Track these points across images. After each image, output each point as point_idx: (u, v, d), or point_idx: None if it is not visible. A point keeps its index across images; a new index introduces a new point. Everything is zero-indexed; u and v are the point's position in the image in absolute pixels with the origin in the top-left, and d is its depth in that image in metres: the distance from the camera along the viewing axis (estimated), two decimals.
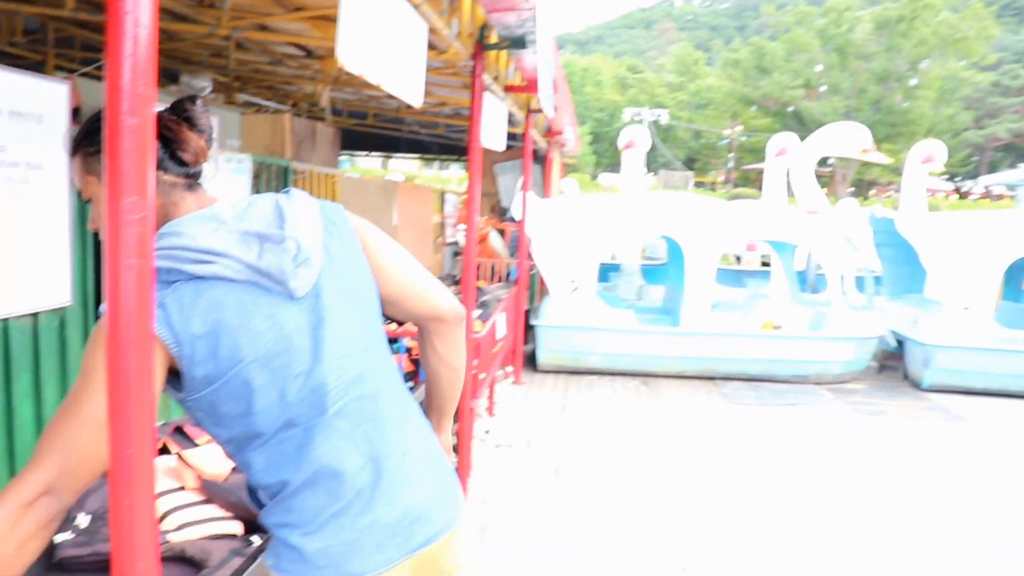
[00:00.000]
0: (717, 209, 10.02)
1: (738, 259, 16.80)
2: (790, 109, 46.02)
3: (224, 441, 1.64)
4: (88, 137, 1.64)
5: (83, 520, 2.96)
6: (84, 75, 7.07)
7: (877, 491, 5.93)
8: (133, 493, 1.29)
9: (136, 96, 1.21)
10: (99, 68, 7.72)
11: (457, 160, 15.60)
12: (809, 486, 6.00)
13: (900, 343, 10.04)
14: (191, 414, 1.62)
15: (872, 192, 50.41)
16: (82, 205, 3.64)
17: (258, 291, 1.58)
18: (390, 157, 20.46)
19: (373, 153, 14.75)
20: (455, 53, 4.45)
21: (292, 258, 1.59)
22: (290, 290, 1.59)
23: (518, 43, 4.50)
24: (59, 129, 3.29)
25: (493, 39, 4.78)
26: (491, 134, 5.38)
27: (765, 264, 16.57)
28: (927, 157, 10.47)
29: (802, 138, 11.91)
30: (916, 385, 9.64)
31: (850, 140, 10.59)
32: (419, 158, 17.09)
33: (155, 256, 1.47)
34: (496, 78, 5.88)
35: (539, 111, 7.58)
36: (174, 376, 1.57)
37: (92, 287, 3.74)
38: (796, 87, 45.05)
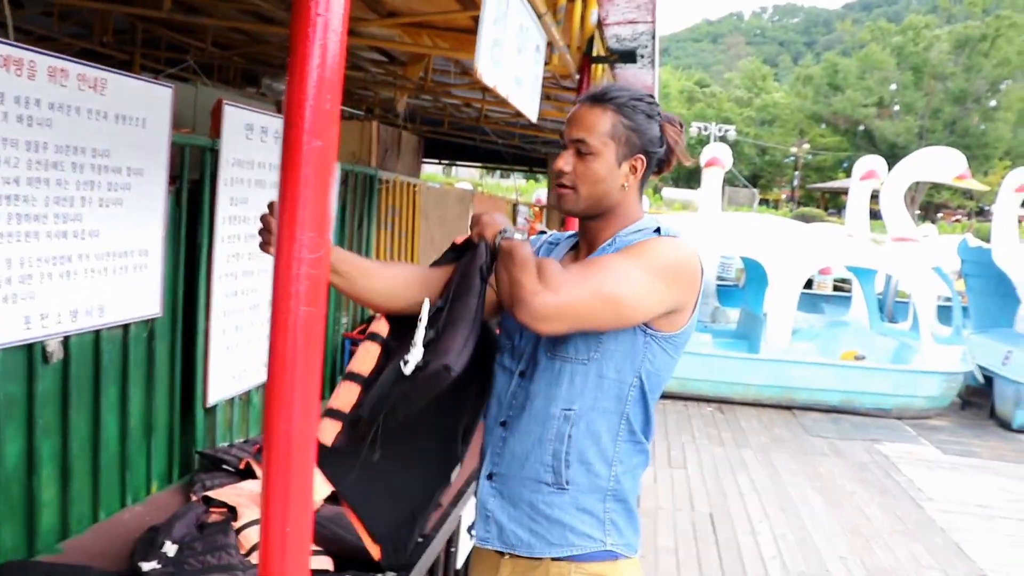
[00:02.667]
0: (802, 232, 9.67)
1: (810, 283, 16.31)
2: (860, 128, 45.10)
3: (641, 395, 1.75)
4: (633, 108, 1.75)
5: (170, 549, 2.80)
6: (170, 76, 7.01)
7: (977, 538, 5.57)
8: (290, 521, 1.12)
9: (322, 113, 1.02)
10: (184, 69, 7.67)
11: (528, 170, 15.42)
12: (904, 534, 5.66)
13: (987, 379, 9.58)
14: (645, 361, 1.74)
15: (939, 216, 49.15)
16: (176, 212, 3.50)
17: None
18: (454, 164, 20.30)
19: (444, 161, 14.63)
20: (560, 65, 4.23)
21: None
22: None
23: (628, 57, 4.29)
24: (161, 134, 3.15)
25: (598, 51, 4.57)
26: None
27: (838, 289, 16.07)
28: (1023, 185, 10.00)
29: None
30: (1005, 425, 9.18)
31: (945, 166, 10.15)
32: (487, 167, 16.97)
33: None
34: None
35: None
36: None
37: (182, 298, 3.60)
38: (869, 105, 44.11)
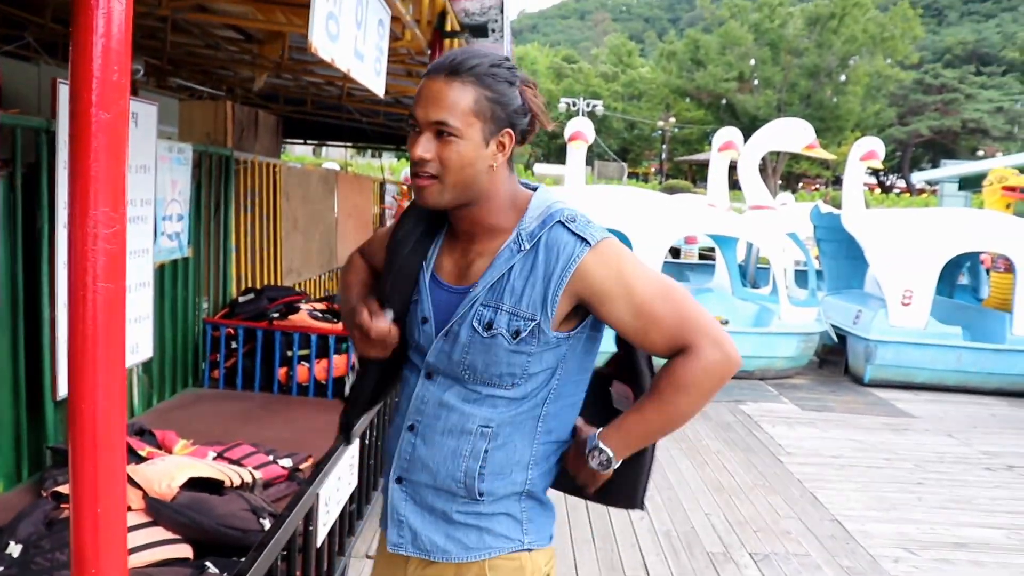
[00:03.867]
0: (664, 203, 9.96)
1: (676, 253, 16.80)
2: (723, 102, 46.69)
3: (550, 396, 1.66)
4: (494, 77, 1.56)
5: (15, 549, 2.69)
6: (6, 54, 6.64)
7: (830, 486, 5.91)
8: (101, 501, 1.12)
9: (110, 85, 1.00)
10: (22, 47, 7.26)
11: (396, 149, 15.30)
12: (764, 487, 5.94)
13: (841, 338, 10.11)
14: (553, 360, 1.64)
15: (800, 185, 51.36)
16: (9, 197, 3.33)
17: None
18: (324, 145, 19.90)
19: (310, 141, 14.35)
20: (412, 41, 4.23)
21: None
22: None
23: (479, 31, 4.31)
24: None
25: (451, 26, 4.58)
26: None
27: (703, 257, 16.61)
28: (868, 153, 10.55)
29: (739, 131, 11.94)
30: (857, 380, 9.72)
31: (795, 136, 10.63)
32: (358, 146, 16.74)
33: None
34: None
35: None
36: (575, 315, 1.62)
37: (23, 287, 3.44)
38: (730, 80, 45.73)
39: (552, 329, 1.59)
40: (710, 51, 46.97)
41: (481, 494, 1.65)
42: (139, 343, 4.21)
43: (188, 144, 4.84)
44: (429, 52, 4.46)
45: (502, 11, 3.96)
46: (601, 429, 1.65)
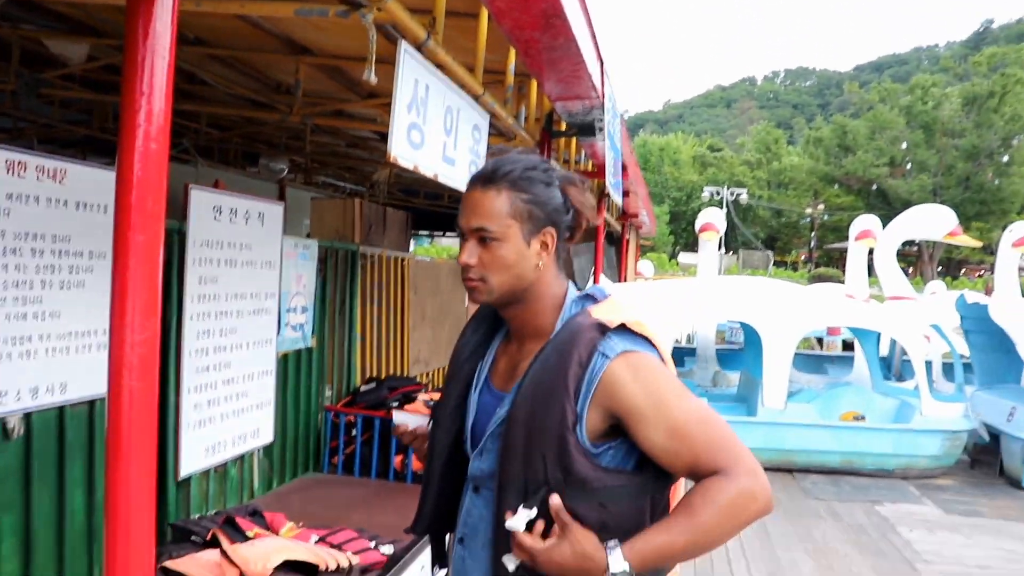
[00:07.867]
0: (795, 294, 9.74)
1: (820, 343, 16.27)
2: (874, 187, 45.35)
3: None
4: (529, 180, 1.65)
5: None
6: (169, 158, 7.28)
7: None
8: None
9: (144, 213, 1.15)
10: (183, 151, 7.92)
11: None
12: None
13: (994, 436, 9.49)
14: None
15: (963, 272, 48.90)
16: None
17: None
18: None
19: (449, 233, 14.85)
20: (522, 140, 4.40)
21: None
22: None
23: (586, 130, 4.45)
24: None
25: (562, 126, 4.75)
26: None
27: (848, 347, 16.03)
28: (1020, 239, 10.04)
29: (887, 217, 11.60)
30: (1015, 483, 9.06)
31: (936, 223, 10.25)
32: None
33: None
34: (567, 162, 5.84)
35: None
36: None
37: None
38: (880, 165, 44.43)
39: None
40: (859, 136, 45.89)
41: None
42: (260, 428, 4.45)
43: (314, 240, 5.14)
44: (538, 150, 4.63)
45: (604, 111, 4.08)
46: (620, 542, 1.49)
